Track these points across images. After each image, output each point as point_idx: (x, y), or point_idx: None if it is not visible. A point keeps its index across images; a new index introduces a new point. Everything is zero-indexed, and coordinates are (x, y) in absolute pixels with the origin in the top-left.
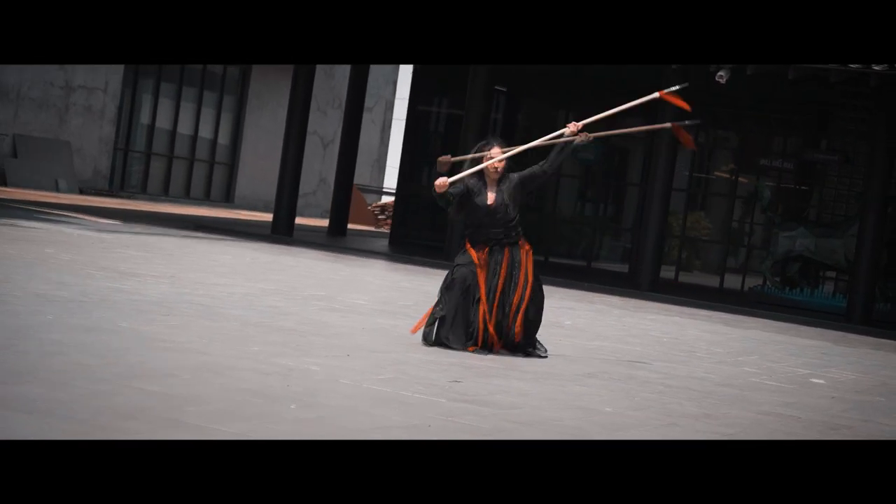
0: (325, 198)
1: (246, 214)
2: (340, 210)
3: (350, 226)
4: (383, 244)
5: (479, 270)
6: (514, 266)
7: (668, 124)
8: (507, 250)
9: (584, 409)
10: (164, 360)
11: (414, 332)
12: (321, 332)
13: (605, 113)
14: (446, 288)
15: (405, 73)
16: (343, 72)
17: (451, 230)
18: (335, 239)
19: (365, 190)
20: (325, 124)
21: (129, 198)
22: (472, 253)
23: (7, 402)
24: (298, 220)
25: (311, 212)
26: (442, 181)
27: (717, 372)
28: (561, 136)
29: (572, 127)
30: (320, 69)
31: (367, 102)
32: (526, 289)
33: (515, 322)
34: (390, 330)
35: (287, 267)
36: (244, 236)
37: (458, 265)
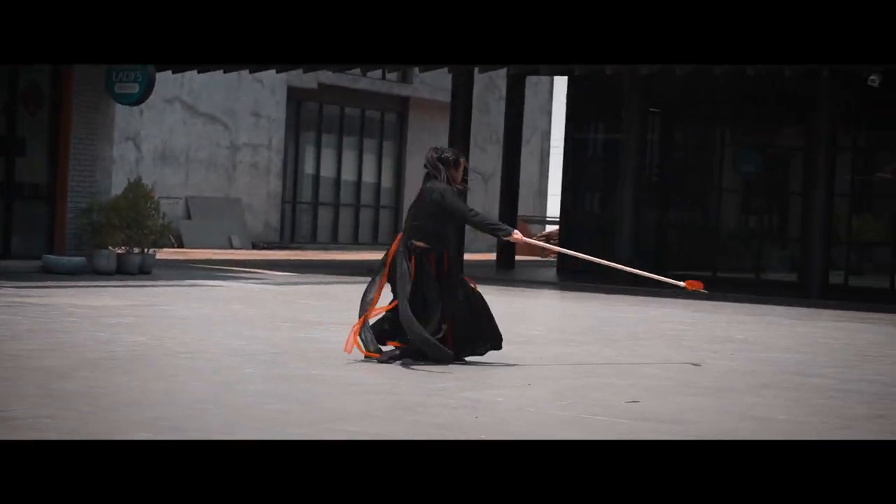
0: None
1: None
2: (507, 243)
3: (517, 257)
4: (551, 273)
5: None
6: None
7: (682, 283)
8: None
9: (759, 419)
10: (358, 402)
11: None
12: (502, 363)
13: (588, 258)
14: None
15: (559, 102)
16: (498, 107)
17: (619, 256)
18: (505, 272)
19: (529, 220)
20: (484, 160)
21: (299, 248)
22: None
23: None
24: (466, 256)
25: (478, 247)
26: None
27: (889, 373)
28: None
29: (517, 237)
30: (476, 107)
31: (524, 134)
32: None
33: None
34: (567, 357)
35: None
36: None
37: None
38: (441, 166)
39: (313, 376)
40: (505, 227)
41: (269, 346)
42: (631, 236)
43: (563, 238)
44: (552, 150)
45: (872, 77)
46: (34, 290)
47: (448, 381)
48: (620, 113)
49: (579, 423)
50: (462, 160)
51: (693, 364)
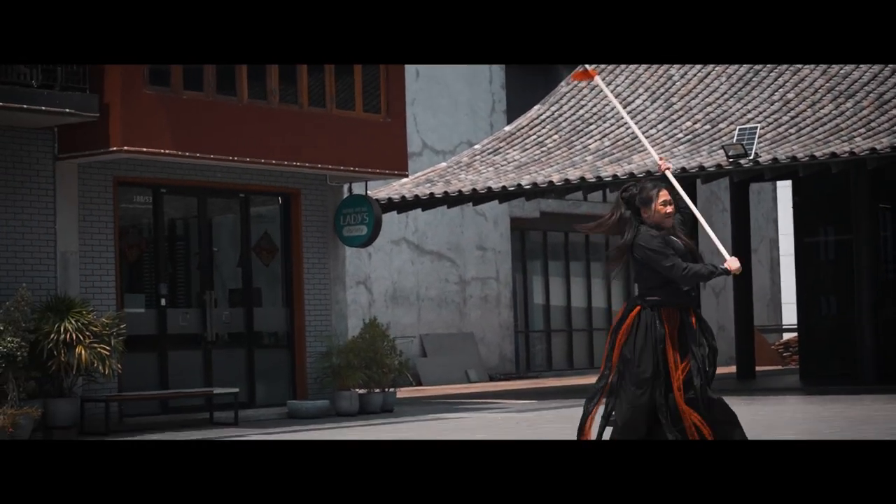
0: (725, 344)
1: None
2: (746, 354)
3: (757, 368)
4: (794, 379)
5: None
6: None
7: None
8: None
9: None
10: None
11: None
12: None
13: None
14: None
15: (784, 209)
16: (722, 218)
17: (863, 354)
18: (746, 382)
19: (764, 330)
20: None
21: (536, 377)
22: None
23: None
24: None
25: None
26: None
27: None
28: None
29: (663, 165)
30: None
31: (752, 243)
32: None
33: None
34: None
35: None
36: None
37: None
38: (629, 215)
39: None
40: (714, 266)
41: None
42: (872, 336)
43: (802, 344)
44: (782, 258)
45: None
46: (281, 434)
47: None
48: (848, 212)
49: None
50: (656, 191)
51: None
